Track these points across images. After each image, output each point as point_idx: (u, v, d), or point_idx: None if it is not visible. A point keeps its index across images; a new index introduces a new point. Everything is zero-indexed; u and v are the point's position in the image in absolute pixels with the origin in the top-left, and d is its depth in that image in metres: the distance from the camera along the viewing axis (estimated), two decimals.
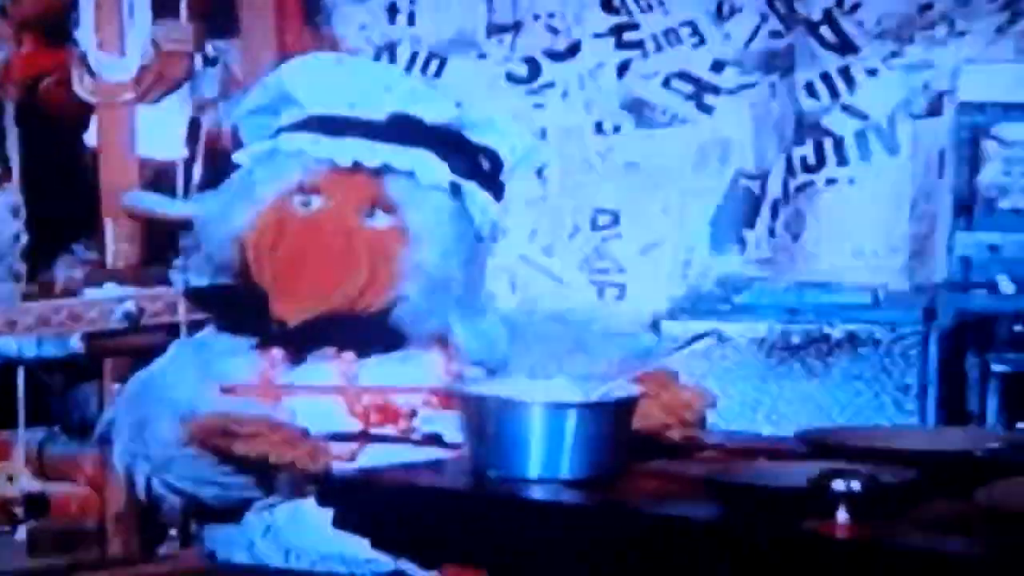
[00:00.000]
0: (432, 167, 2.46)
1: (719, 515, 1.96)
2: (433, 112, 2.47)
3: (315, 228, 2.47)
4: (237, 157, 2.55)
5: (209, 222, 2.52)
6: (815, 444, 2.20)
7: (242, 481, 2.34)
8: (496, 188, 2.55)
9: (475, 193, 2.51)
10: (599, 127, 3.68)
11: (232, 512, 2.39)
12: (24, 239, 3.30)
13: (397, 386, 2.44)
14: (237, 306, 2.49)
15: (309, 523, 2.29)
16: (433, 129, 2.47)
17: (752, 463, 2.16)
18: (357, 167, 2.46)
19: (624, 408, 2.14)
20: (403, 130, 2.45)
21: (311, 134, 2.46)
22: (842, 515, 1.89)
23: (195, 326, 2.75)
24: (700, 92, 3.60)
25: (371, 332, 2.45)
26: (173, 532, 2.90)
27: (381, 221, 2.47)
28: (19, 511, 3.05)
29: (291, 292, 2.45)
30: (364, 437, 2.41)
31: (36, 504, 3.07)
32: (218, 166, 3.15)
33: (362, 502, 2.15)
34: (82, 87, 3.02)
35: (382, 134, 2.45)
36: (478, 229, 2.54)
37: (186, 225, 2.73)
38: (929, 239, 3.44)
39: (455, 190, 2.48)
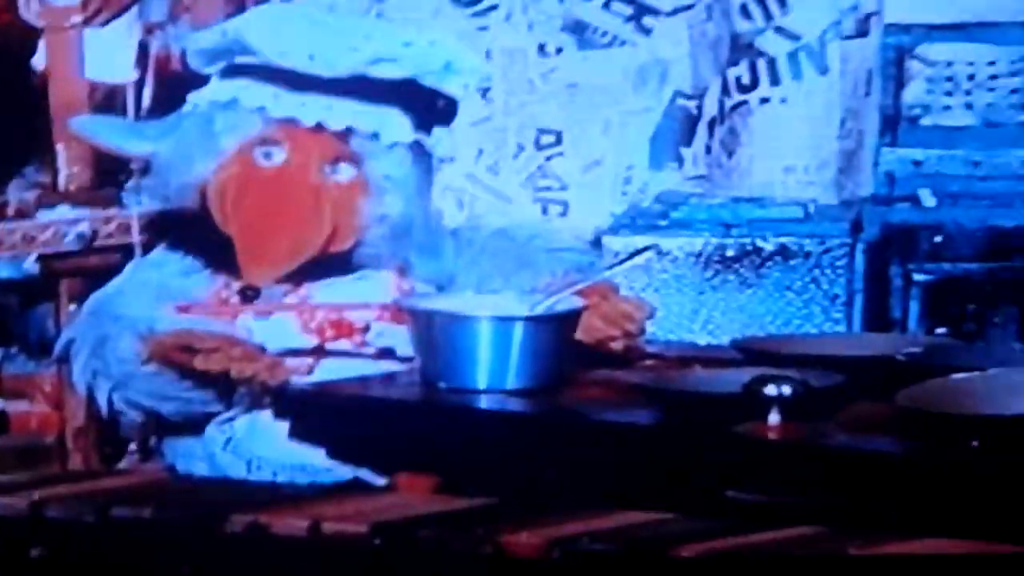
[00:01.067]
0: (396, 125, 2.46)
1: (658, 420, 2.02)
2: (395, 71, 2.47)
3: (279, 183, 2.48)
4: (193, 98, 2.54)
5: (167, 167, 2.52)
6: (749, 352, 2.27)
7: (202, 396, 2.38)
8: (449, 124, 2.57)
9: (435, 139, 2.53)
10: (542, 49, 3.70)
11: (192, 426, 2.43)
12: None
13: (350, 303, 2.47)
14: (195, 233, 2.51)
15: (269, 434, 2.33)
16: (394, 85, 2.48)
17: (689, 371, 2.23)
18: (320, 126, 2.47)
19: (568, 320, 2.20)
20: (365, 88, 2.45)
21: (272, 87, 2.45)
22: (774, 418, 1.96)
23: (149, 247, 2.76)
24: (639, 14, 3.62)
25: (328, 266, 2.48)
26: (133, 447, 2.93)
27: (344, 174, 2.47)
28: None
29: (258, 252, 2.47)
30: (319, 352, 2.45)
31: None
32: (167, 89, 3.14)
33: (316, 414, 2.19)
34: (29, 11, 2.99)
35: (344, 91, 2.46)
36: (435, 165, 2.57)
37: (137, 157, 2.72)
38: (856, 155, 3.50)
39: (416, 144, 2.50)
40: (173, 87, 3.17)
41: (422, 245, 2.49)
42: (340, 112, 2.45)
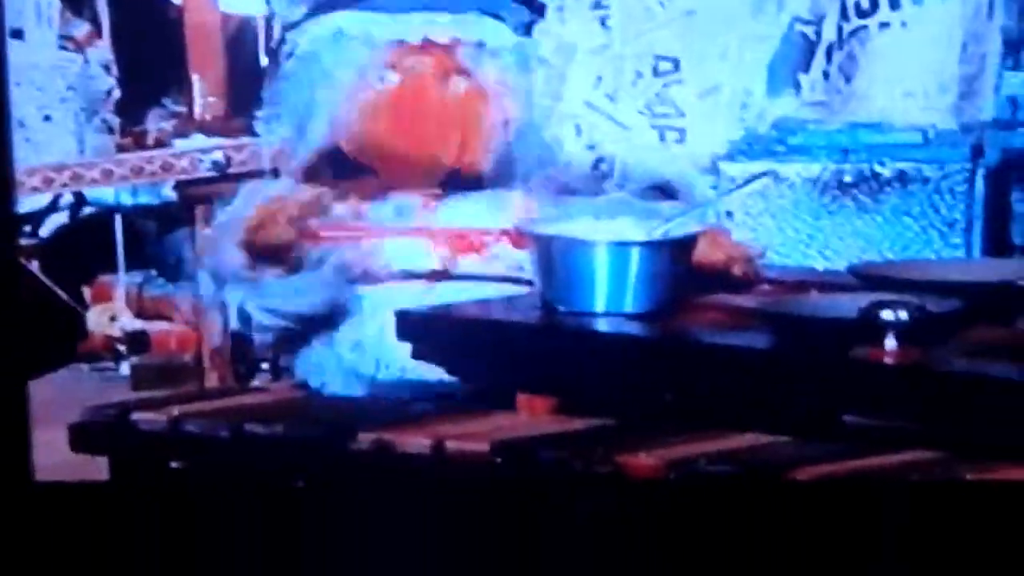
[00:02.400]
0: (498, 32, 2.49)
1: (775, 345, 1.99)
2: None
3: (402, 105, 2.50)
4: (292, 36, 2.55)
5: (292, 112, 2.56)
6: (866, 277, 2.22)
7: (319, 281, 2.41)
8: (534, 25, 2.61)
9: (535, 42, 2.55)
10: None
11: (321, 331, 2.46)
12: (116, 94, 3.33)
13: (473, 227, 2.48)
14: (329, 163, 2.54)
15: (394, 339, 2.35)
16: None
17: (806, 295, 2.19)
18: (427, 42, 2.47)
19: (684, 245, 2.17)
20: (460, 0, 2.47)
21: (371, 13, 2.48)
22: (891, 343, 1.92)
23: (277, 174, 2.78)
24: None
25: (464, 181, 2.51)
26: (265, 365, 2.98)
27: (459, 86, 2.50)
28: (122, 348, 3.14)
29: (399, 173, 2.51)
30: (441, 276, 2.46)
31: (137, 341, 3.16)
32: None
33: (437, 336, 2.20)
34: None
35: (441, 6, 2.48)
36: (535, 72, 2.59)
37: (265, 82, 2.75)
38: (977, 80, 3.38)
39: (520, 50, 2.51)
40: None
41: (543, 148, 2.51)
42: (445, 27, 2.46)
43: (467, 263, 2.45)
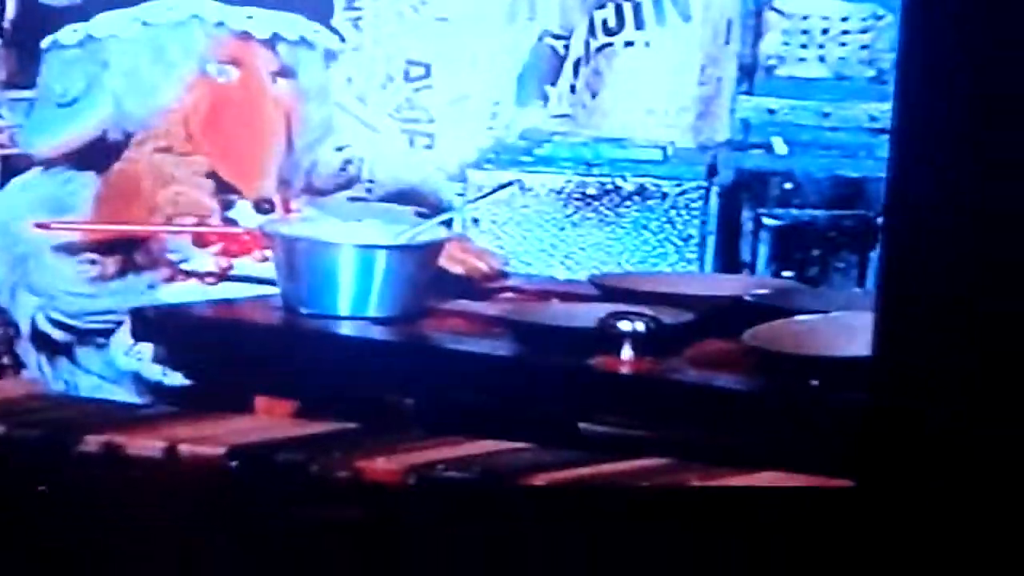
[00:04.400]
0: (292, 24, 2.46)
1: (515, 352, 2.01)
2: None
3: (240, 100, 2.46)
4: (131, 13, 2.48)
5: (133, 92, 2.47)
6: (605, 288, 2.27)
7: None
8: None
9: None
10: None
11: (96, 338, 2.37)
12: None
13: (217, 227, 2.42)
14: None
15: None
16: None
17: (547, 304, 2.22)
18: (271, 38, 2.44)
19: (431, 251, 2.17)
20: None
21: (216, 2, 2.45)
22: (627, 352, 1.97)
23: (8, 161, 2.65)
24: None
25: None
26: None
27: (282, 87, 2.50)
28: None
29: (239, 165, 2.46)
30: (219, 277, 2.41)
31: None
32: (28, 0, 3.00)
33: (173, 336, 2.14)
34: None
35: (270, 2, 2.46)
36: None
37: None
38: (714, 101, 3.51)
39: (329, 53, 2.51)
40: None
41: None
42: (275, 22, 2.47)
43: (243, 264, 2.41)
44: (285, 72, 2.52)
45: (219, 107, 2.49)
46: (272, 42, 2.51)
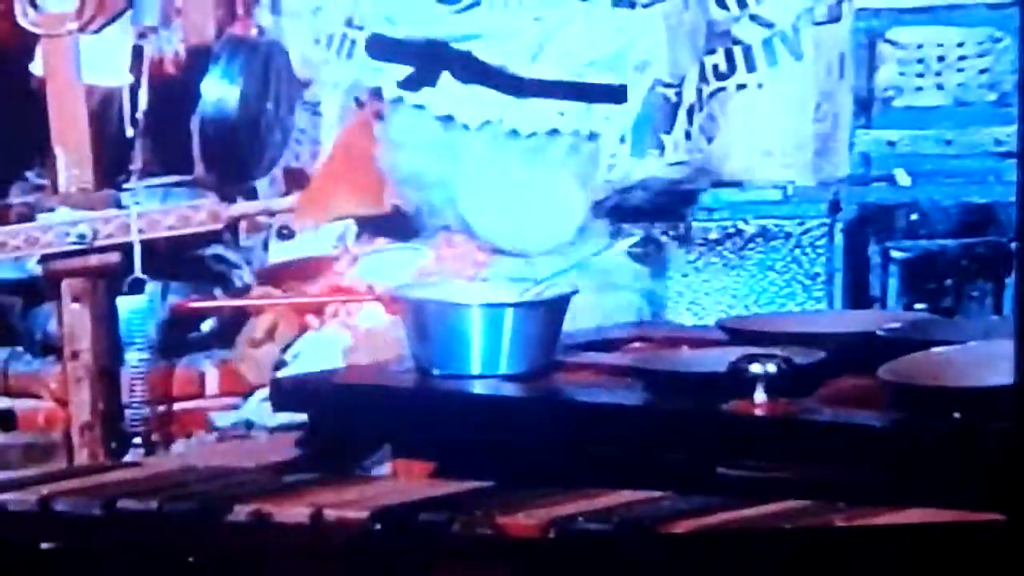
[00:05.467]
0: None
1: (648, 401, 2.00)
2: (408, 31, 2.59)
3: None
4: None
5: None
6: (734, 331, 2.25)
7: None
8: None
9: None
10: None
11: None
12: None
13: (345, 294, 2.48)
14: None
15: None
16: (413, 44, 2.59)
17: (676, 351, 2.21)
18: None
19: (557, 306, 2.18)
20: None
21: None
22: (760, 395, 1.94)
23: (148, 245, 2.74)
24: (616, 5, 3.59)
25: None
26: (137, 440, 2.91)
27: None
28: None
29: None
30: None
31: (3, 420, 3.06)
32: (161, 91, 3.11)
33: (312, 403, 2.17)
34: (25, 17, 2.97)
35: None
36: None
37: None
38: (832, 137, 3.48)
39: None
40: (167, 90, 3.14)
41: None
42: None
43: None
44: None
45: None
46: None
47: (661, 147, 3.63)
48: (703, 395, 1.96)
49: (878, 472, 1.83)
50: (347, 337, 2.59)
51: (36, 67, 3.10)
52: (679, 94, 3.62)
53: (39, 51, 3.05)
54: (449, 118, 2.72)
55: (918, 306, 3.07)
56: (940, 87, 3.29)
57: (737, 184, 3.39)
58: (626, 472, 1.90)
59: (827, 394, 1.97)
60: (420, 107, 2.71)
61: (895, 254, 3.16)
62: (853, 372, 2.02)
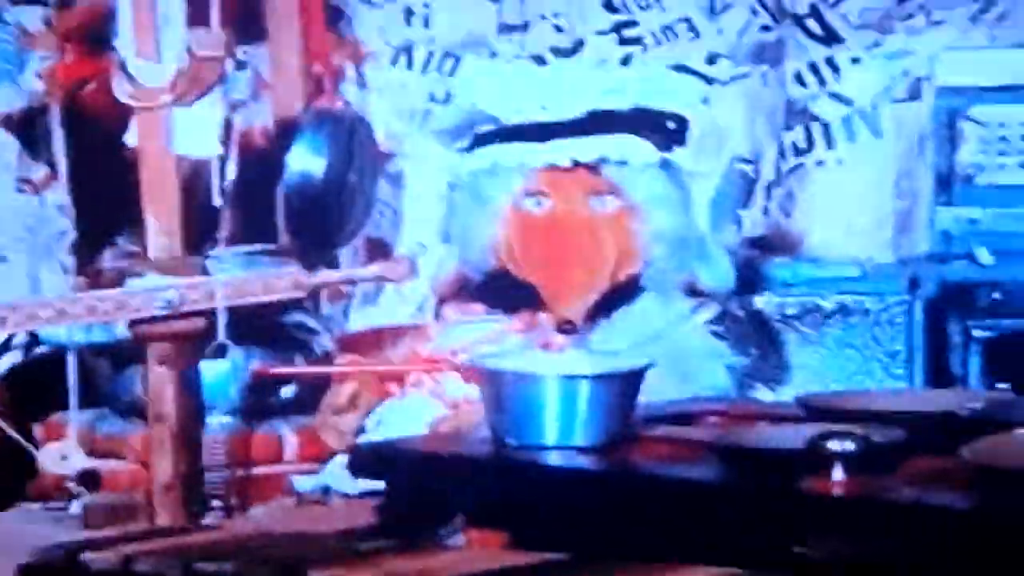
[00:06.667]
0: (641, 149, 2.66)
1: (724, 477, 1.96)
2: (619, 101, 2.64)
3: (558, 225, 2.67)
4: (455, 178, 2.71)
5: (455, 237, 2.71)
6: (812, 408, 2.21)
7: None
8: (684, 142, 2.71)
9: (679, 155, 2.71)
10: None
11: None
12: (71, 235, 3.30)
13: (422, 363, 2.47)
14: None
15: None
16: (625, 114, 2.65)
17: (754, 427, 2.17)
18: (576, 164, 2.63)
19: (633, 378, 2.15)
20: (601, 122, 2.63)
21: (521, 143, 2.59)
22: (838, 473, 1.90)
23: (232, 311, 2.76)
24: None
25: (622, 291, 2.66)
26: (216, 503, 2.92)
27: (609, 205, 2.68)
28: (73, 486, 3.06)
29: (560, 290, 2.63)
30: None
31: (89, 479, 3.08)
32: (250, 163, 3.16)
33: (387, 470, 2.16)
34: (122, 91, 3.03)
35: (585, 130, 2.62)
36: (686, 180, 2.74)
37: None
38: (912, 214, 3.43)
39: (665, 164, 2.68)
40: (255, 161, 3.18)
41: (700, 254, 2.68)
42: (587, 148, 2.64)
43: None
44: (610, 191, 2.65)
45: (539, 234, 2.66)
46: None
47: (739, 222, 3.61)
48: (780, 472, 1.92)
49: (958, 554, 1.78)
50: (433, 406, 2.58)
51: (130, 138, 3.16)
52: (757, 170, 3.60)
53: (134, 123, 3.11)
54: None
55: (1000, 386, 2.99)
56: (1023, 166, 3.24)
57: (815, 260, 3.35)
58: (701, 548, 1.85)
59: (906, 474, 1.92)
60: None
61: (977, 333, 3.09)
62: (933, 452, 1.96)
